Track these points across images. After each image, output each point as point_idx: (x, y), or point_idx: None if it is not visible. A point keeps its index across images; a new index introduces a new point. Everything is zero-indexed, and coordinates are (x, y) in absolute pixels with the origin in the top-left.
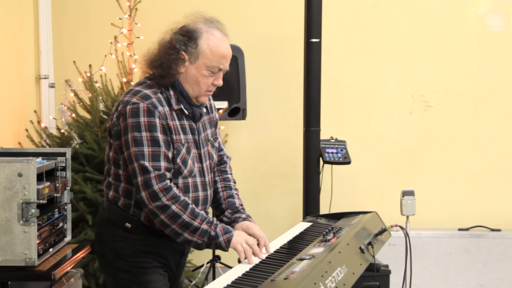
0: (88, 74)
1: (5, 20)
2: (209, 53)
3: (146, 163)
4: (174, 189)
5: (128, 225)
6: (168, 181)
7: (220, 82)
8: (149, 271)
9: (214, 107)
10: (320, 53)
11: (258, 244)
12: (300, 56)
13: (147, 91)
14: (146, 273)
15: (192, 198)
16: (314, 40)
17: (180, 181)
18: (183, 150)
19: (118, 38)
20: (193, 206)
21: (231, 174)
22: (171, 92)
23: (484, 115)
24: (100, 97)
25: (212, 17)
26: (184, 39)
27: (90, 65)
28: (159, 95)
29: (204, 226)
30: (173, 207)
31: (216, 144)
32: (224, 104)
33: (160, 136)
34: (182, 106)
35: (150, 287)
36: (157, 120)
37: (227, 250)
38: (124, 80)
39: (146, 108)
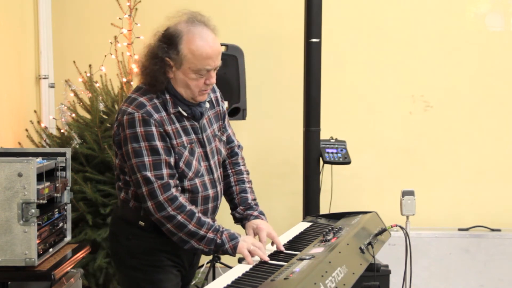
0: (88, 74)
1: (5, 20)
2: (191, 57)
3: (148, 174)
4: (180, 198)
5: (141, 223)
6: (173, 190)
7: (212, 81)
8: (162, 270)
9: (221, 98)
10: (320, 53)
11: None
12: (300, 56)
13: (142, 99)
14: (159, 272)
15: (202, 197)
16: (314, 40)
17: (186, 183)
18: (186, 153)
19: (118, 38)
20: (199, 215)
21: (243, 165)
22: (167, 96)
23: (484, 115)
24: (100, 97)
25: (194, 14)
26: (165, 47)
27: (90, 65)
28: (155, 100)
29: (210, 235)
30: (179, 217)
31: (224, 138)
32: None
33: (158, 144)
34: (180, 109)
35: (161, 286)
36: (153, 129)
37: (234, 256)
38: (124, 80)
39: (141, 117)
